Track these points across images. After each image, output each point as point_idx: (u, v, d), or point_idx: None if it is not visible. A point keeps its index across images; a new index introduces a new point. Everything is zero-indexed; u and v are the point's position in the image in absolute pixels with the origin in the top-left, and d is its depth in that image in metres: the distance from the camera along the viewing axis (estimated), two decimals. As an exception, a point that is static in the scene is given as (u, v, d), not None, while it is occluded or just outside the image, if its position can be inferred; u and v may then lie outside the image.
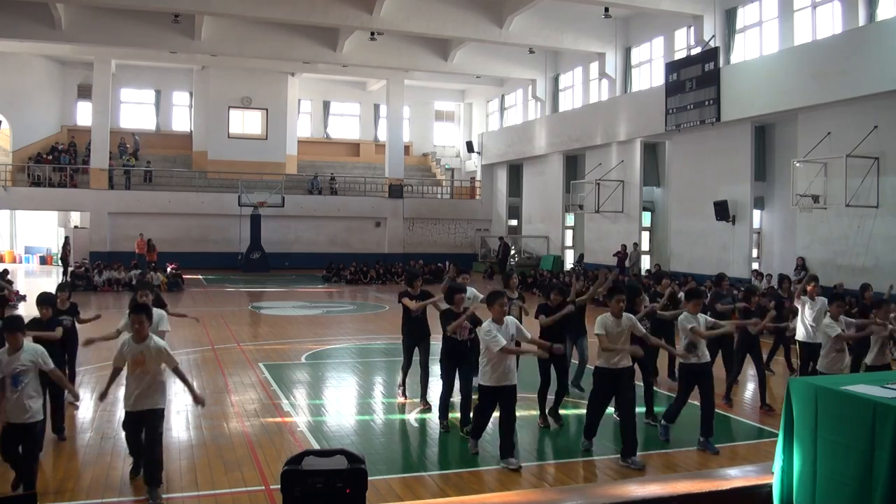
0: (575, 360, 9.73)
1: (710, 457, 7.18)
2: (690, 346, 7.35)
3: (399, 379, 9.36)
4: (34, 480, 5.74)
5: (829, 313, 7.96)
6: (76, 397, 7.24)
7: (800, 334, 9.33)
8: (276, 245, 30.97)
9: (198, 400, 6.27)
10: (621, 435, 7.00)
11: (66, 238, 27.99)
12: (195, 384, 9.75)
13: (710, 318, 7.80)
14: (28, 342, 5.85)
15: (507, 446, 6.79)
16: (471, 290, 9.42)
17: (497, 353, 6.65)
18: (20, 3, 23.32)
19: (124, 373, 6.00)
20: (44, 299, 7.55)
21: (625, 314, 7.06)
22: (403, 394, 9.24)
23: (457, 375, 8.02)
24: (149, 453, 5.94)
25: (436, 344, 8.77)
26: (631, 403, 6.94)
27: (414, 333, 8.98)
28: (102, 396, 6.24)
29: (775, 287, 12.56)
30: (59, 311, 8.38)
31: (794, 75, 17.55)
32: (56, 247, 32.31)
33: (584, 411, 8.70)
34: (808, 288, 9.33)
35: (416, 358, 9.05)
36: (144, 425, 5.94)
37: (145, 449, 5.97)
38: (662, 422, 7.72)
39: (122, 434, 7.47)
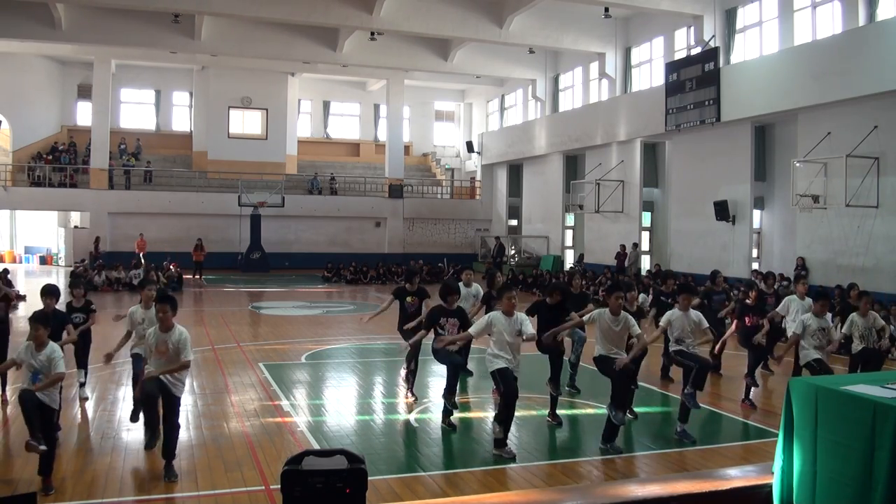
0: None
1: (710, 457, 7.17)
2: (678, 340, 7.75)
3: (403, 374, 9.38)
4: (51, 466, 6.01)
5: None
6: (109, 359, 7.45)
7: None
8: (276, 245, 30.98)
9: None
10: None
11: (97, 238, 27.96)
12: (195, 384, 9.82)
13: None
14: (53, 344, 6.17)
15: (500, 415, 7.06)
16: (475, 287, 10.01)
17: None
18: (20, 3, 23.33)
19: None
20: (49, 290, 7.69)
21: (623, 313, 7.30)
22: (411, 392, 9.19)
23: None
24: (169, 430, 6.30)
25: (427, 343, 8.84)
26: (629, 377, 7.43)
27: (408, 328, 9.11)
28: (108, 358, 7.33)
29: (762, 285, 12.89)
30: (73, 309, 8.54)
31: (794, 75, 17.55)
32: (56, 247, 32.36)
33: (580, 411, 8.78)
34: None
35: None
36: (164, 400, 6.27)
37: (165, 426, 6.29)
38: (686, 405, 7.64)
39: (122, 434, 7.52)
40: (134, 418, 7.29)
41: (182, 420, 8.09)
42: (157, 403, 6.30)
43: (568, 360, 9.41)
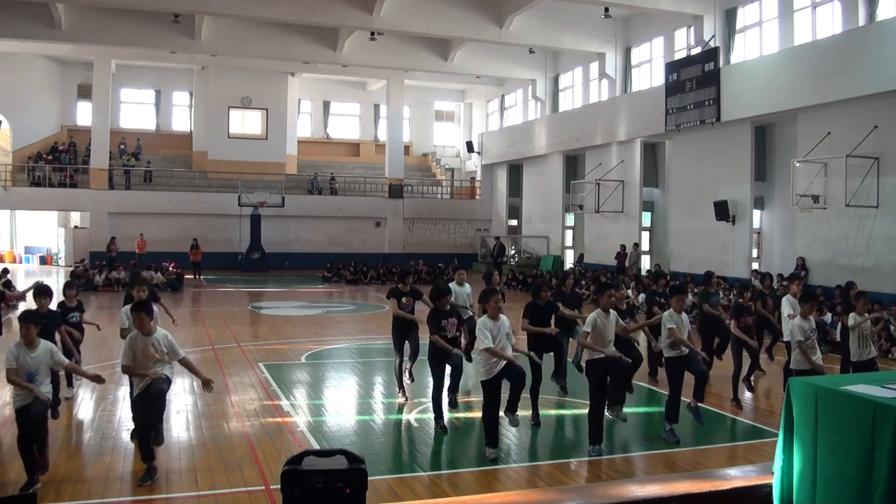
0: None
1: (710, 457, 7.17)
2: (673, 344, 7.58)
3: (401, 399, 9.13)
4: (47, 451, 6.09)
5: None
6: (100, 380, 6.49)
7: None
8: (276, 245, 30.98)
9: (207, 384, 6.49)
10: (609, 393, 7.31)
11: (112, 238, 27.74)
12: (195, 384, 9.81)
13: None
14: (46, 342, 6.13)
15: (512, 403, 6.96)
16: (467, 287, 10.04)
17: (482, 351, 6.90)
18: (20, 3, 23.32)
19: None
20: (41, 291, 7.68)
21: (612, 311, 7.30)
22: (403, 394, 9.21)
23: (446, 373, 7.98)
24: (153, 399, 6.24)
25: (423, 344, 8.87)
26: (624, 370, 7.23)
27: (402, 328, 9.12)
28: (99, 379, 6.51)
29: (758, 284, 12.94)
30: (68, 309, 8.61)
31: (794, 75, 17.55)
32: (56, 247, 32.35)
33: (579, 411, 8.78)
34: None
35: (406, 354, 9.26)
36: (151, 391, 6.22)
37: (151, 414, 6.27)
38: (667, 426, 7.62)
39: (122, 434, 7.52)
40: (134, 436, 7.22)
41: (182, 420, 8.15)
42: (160, 406, 6.35)
43: (572, 362, 9.44)
